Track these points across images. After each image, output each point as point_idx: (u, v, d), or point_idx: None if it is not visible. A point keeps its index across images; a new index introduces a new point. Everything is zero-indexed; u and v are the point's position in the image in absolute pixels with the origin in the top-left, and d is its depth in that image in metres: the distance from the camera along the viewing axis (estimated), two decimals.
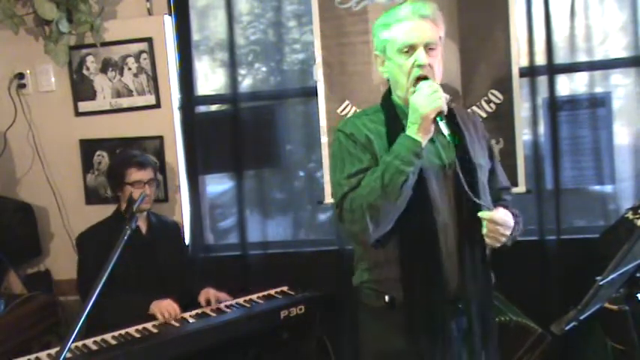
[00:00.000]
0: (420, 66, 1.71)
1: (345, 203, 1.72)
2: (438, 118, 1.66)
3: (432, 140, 1.76)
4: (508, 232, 1.73)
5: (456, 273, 1.76)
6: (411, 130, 1.68)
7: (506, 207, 1.85)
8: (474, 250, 1.77)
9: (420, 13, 1.73)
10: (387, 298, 1.79)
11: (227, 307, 2.63)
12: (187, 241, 3.04)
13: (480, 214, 1.70)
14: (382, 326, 1.83)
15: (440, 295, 1.73)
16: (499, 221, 1.70)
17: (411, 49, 1.72)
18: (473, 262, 1.77)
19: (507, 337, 2.32)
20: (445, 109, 1.67)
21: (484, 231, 1.71)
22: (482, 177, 1.82)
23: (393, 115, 1.80)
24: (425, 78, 1.71)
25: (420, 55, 1.71)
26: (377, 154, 1.75)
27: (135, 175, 2.66)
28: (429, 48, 1.73)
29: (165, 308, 2.47)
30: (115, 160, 2.90)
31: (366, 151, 1.76)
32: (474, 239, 1.75)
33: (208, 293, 2.66)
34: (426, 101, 1.65)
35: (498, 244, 1.74)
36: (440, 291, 1.73)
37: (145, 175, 2.69)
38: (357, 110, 2.78)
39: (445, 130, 1.65)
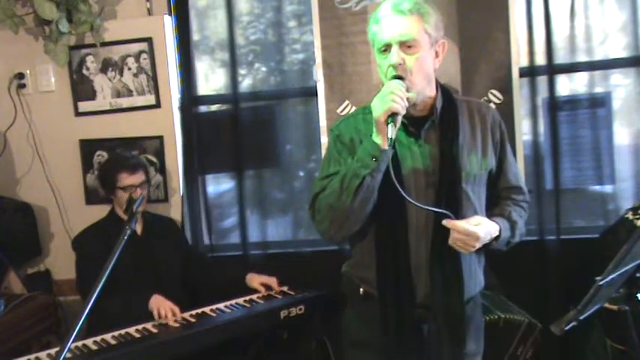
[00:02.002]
0: (392, 66, 1.65)
1: (315, 204, 1.76)
2: (388, 120, 1.60)
3: (418, 145, 1.74)
4: (475, 243, 1.68)
5: (426, 282, 1.75)
6: (374, 133, 1.66)
7: (501, 213, 1.83)
8: (445, 261, 1.74)
9: (398, 9, 1.65)
10: (361, 290, 1.84)
11: (227, 307, 2.63)
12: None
13: (444, 222, 1.66)
14: (357, 316, 1.88)
15: (408, 301, 1.75)
16: (462, 231, 1.65)
17: (387, 47, 1.67)
18: (443, 273, 1.74)
19: (498, 335, 2.34)
20: (400, 109, 1.60)
21: (450, 239, 1.68)
22: (469, 185, 1.77)
23: None
24: (399, 78, 1.65)
25: (392, 55, 1.65)
26: None
27: (126, 179, 2.65)
28: (406, 45, 1.66)
29: (164, 307, 2.45)
30: (106, 164, 2.87)
31: (348, 153, 1.76)
32: (448, 250, 1.72)
33: (258, 279, 2.72)
34: (379, 103, 1.61)
35: (465, 252, 1.71)
36: (407, 297, 1.74)
37: (137, 179, 2.67)
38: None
39: (390, 133, 1.59)
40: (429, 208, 1.67)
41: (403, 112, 1.62)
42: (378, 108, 1.61)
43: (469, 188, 1.77)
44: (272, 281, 2.73)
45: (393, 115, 1.60)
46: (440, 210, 1.67)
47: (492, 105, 2.71)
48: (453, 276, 1.75)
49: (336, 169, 1.75)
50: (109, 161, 2.89)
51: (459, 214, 1.70)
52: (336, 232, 1.75)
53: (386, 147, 1.62)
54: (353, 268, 1.91)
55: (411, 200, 1.63)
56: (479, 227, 1.69)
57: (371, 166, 1.64)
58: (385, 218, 1.73)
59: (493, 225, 1.76)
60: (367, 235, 1.78)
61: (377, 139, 1.64)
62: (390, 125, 1.59)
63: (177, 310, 2.48)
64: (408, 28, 1.65)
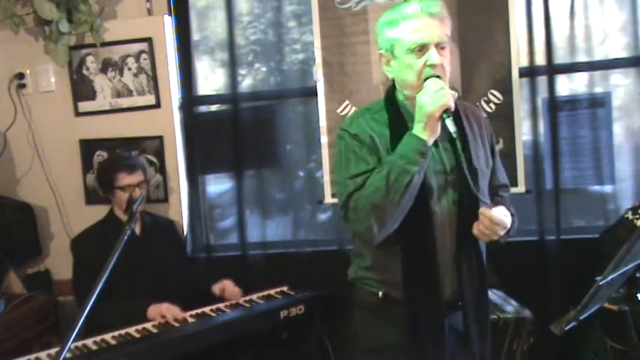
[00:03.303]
0: (431, 66, 1.68)
1: (350, 203, 1.71)
2: (444, 116, 1.64)
3: (435, 144, 1.74)
4: (502, 233, 1.72)
5: (453, 279, 1.77)
6: (417, 129, 1.66)
7: (503, 204, 1.85)
8: (471, 257, 1.78)
9: (428, 11, 1.68)
10: (380, 294, 1.81)
11: (227, 307, 2.63)
12: (187, 240, 3.05)
13: (481, 210, 1.69)
14: (373, 321, 1.85)
15: (438, 300, 1.75)
16: (497, 221, 1.68)
17: (422, 48, 1.68)
18: (469, 269, 1.77)
19: (491, 335, 2.34)
20: (452, 106, 1.65)
21: (479, 227, 1.70)
22: (482, 182, 1.81)
23: (397, 115, 1.78)
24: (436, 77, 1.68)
25: (433, 56, 1.68)
26: (382, 156, 1.73)
27: (125, 179, 2.66)
28: (440, 47, 1.70)
29: (165, 312, 2.46)
30: (105, 164, 2.89)
31: (371, 152, 1.74)
32: (472, 245, 1.76)
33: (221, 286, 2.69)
34: (432, 99, 1.63)
35: (487, 240, 1.75)
36: (439, 294, 1.74)
37: (135, 178, 2.67)
38: (364, 106, 2.77)
39: (451, 128, 1.64)
40: (486, 202, 1.73)
41: (453, 107, 1.66)
42: (431, 104, 1.63)
43: (482, 185, 1.81)
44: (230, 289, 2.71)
45: (446, 111, 1.64)
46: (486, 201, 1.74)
47: (492, 105, 2.72)
48: (477, 270, 1.79)
49: (363, 168, 1.72)
50: (108, 161, 2.92)
51: (477, 210, 1.74)
52: (378, 232, 1.70)
53: (430, 143, 1.66)
54: (370, 271, 1.85)
55: (479, 195, 1.69)
56: (507, 218, 1.73)
57: (420, 162, 1.64)
58: (410, 218, 1.71)
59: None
60: (389, 237, 1.74)
61: (423, 134, 1.65)
62: (448, 120, 1.63)
63: (175, 309, 2.48)
64: (441, 30, 1.70)
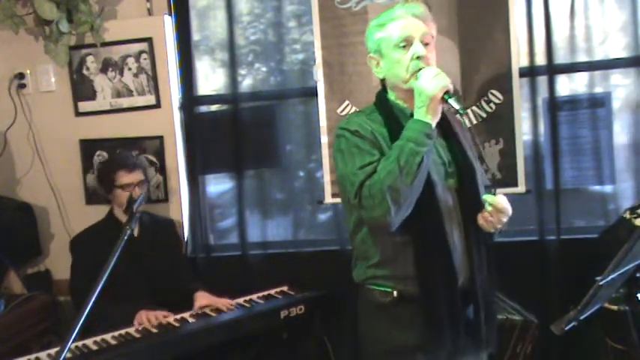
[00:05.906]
0: (419, 58, 1.75)
1: (363, 191, 1.71)
2: (446, 97, 1.69)
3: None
4: (505, 220, 1.77)
5: (464, 266, 1.79)
6: (420, 114, 1.71)
7: None
8: (479, 244, 1.81)
9: (412, 12, 1.79)
10: (395, 293, 1.79)
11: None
12: (187, 240, 3.05)
13: (485, 196, 1.74)
14: (388, 322, 1.82)
15: (454, 288, 1.76)
16: (501, 207, 1.74)
17: (407, 43, 1.76)
18: (479, 255, 1.81)
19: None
20: (451, 87, 1.71)
21: (483, 214, 1.74)
22: (478, 177, 1.86)
23: (390, 115, 1.82)
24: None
25: (418, 47, 1.76)
26: (384, 151, 1.76)
27: (124, 178, 2.66)
28: (424, 42, 1.77)
29: (146, 320, 2.44)
30: (105, 163, 2.91)
31: (373, 146, 1.77)
32: (478, 234, 1.80)
33: (202, 301, 2.62)
34: (432, 83, 1.69)
35: (492, 229, 1.79)
36: (454, 284, 1.76)
37: (134, 177, 2.68)
38: (357, 110, 2.79)
39: (456, 105, 1.69)
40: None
41: (452, 89, 1.72)
42: (432, 88, 1.69)
43: (477, 176, 1.85)
44: (221, 304, 2.61)
45: (447, 92, 1.70)
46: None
47: (492, 105, 2.72)
48: (486, 257, 1.83)
49: (370, 159, 1.74)
50: (108, 160, 2.93)
51: (479, 200, 1.79)
52: (395, 215, 1.69)
53: (434, 126, 1.71)
54: (380, 268, 1.82)
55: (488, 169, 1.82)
56: (509, 205, 1.77)
57: (427, 144, 1.69)
58: (417, 206, 1.72)
59: None
60: (397, 230, 1.74)
61: (426, 118, 1.70)
62: (452, 99, 1.70)
63: (160, 317, 2.46)
64: (425, 28, 1.79)
